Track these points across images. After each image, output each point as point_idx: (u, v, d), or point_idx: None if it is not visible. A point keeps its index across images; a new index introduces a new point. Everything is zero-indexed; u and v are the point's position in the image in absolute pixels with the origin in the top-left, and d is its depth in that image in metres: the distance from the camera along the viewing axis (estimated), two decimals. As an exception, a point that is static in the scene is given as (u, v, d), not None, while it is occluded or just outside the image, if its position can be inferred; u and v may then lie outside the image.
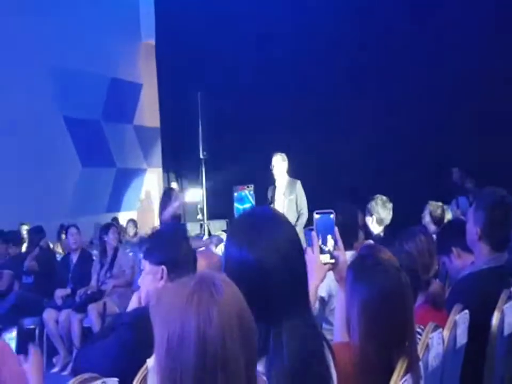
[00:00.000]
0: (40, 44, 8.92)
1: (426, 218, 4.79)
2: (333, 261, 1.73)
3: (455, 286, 2.47)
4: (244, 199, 2.55)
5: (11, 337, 1.93)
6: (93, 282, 5.84)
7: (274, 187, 5.90)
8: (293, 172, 7.98)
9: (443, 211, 4.83)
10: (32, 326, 5.62)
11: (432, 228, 4.73)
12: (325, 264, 1.72)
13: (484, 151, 7.83)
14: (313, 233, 1.74)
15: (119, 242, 8.21)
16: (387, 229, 4.37)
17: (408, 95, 8.68)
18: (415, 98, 8.66)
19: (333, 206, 3.30)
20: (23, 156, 8.54)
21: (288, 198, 5.79)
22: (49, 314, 5.58)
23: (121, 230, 9.24)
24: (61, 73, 9.31)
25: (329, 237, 1.75)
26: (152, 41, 11.23)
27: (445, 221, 4.83)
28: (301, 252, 1.44)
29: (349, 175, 8.63)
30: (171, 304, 1.07)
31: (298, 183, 5.87)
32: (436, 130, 8.40)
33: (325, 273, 1.73)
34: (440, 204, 4.93)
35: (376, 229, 4.12)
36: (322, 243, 1.74)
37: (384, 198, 4.21)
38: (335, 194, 7.33)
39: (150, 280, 2.10)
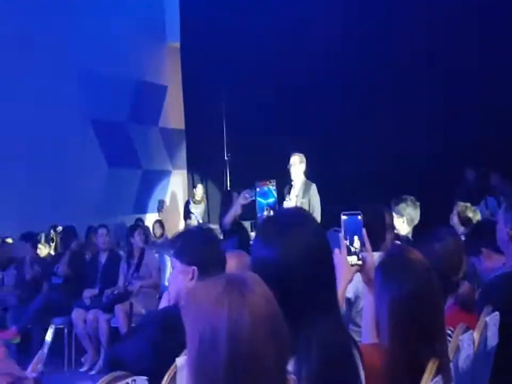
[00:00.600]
0: (68, 48, 9.05)
1: (455, 219, 4.73)
2: (360, 262, 1.72)
3: (485, 287, 2.43)
4: (267, 193, 2.56)
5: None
6: (120, 282, 5.92)
7: (291, 186, 5.75)
8: (314, 172, 7.98)
9: (472, 212, 4.76)
10: (61, 326, 5.71)
11: (460, 229, 4.67)
12: (353, 265, 1.72)
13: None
14: (341, 235, 1.74)
15: (145, 243, 8.34)
16: (414, 229, 4.35)
17: (429, 95, 8.62)
18: (436, 99, 8.60)
19: (359, 207, 3.30)
20: (51, 158, 8.68)
21: (300, 201, 5.61)
22: (77, 314, 5.67)
23: (147, 231, 9.35)
24: (88, 77, 9.44)
25: (356, 238, 1.74)
26: (177, 44, 11.31)
27: (474, 222, 4.77)
28: (329, 252, 1.44)
29: (371, 176, 8.59)
30: (202, 304, 1.07)
31: (313, 187, 5.70)
32: (461, 129, 8.31)
33: (352, 275, 1.72)
34: (468, 204, 4.87)
35: (404, 229, 4.09)
36: (350, 244, 1.74)
37: (413, 198, 4.19)
38: (358, 196, 7.32)
39: (180, 279, 2.10)
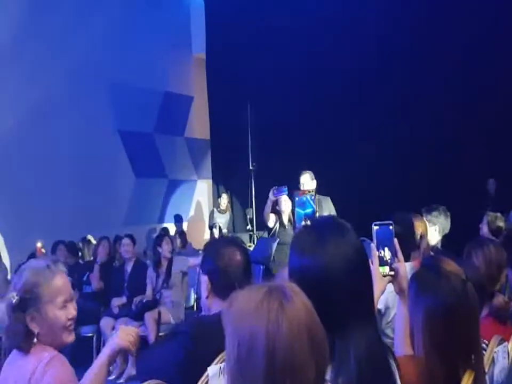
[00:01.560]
0: (96, 60, 9.21)
1: (484, 229, 4.68)
2: (392, 273, 1.72)
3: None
4: (306, 203, 2.56)
5: None
6: (148, 292, 5.94)
7: None
8: (339, 182, 7.96)
9: (502, 221, 4.70)
10: (89, 334, 5.78)
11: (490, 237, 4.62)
12: (385, 276, 1.72)
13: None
14: (373, 245, 1.73)
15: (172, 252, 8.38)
16: (444, 239, 4.33)
17: (444, 106, 8.57)
18: (450, 109, 8.55)
19: (389, 216, 3.29)
20: (80, 168, 8.83)
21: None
22: (106, 323, 5.72)
23: (173, 240, 9.41)
24: (116, 88, 9.59)
25: (388, 248, 1.74)
26: (203, 55, 11.42)
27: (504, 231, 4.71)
28: (366, 261, 1.45)
29: (394, 187, 8.54)
30: (241, 312, 1.09)
31: (329, 200, 5.64)
32: (482, 139, 8.24)
33: (385, 285, 1.72)
34: (498, 214, 4.82)
35: (435, 239, 4.08)
36: (382, 254, 1.73)
37: (445, 208, 4.18)
38: (382, 207, 7.28)
39: (203, 289, 2.12)
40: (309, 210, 2.78)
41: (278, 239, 5.38)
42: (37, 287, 1.87)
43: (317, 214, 5.28)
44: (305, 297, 1.10)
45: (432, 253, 3.98)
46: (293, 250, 1.44)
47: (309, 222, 2.91)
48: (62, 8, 8.72)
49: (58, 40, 8.57)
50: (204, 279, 2.07)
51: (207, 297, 2.06)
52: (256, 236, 9.05)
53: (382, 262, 1.71)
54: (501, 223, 4.67)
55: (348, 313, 1.35)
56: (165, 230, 9.58)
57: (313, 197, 2.82)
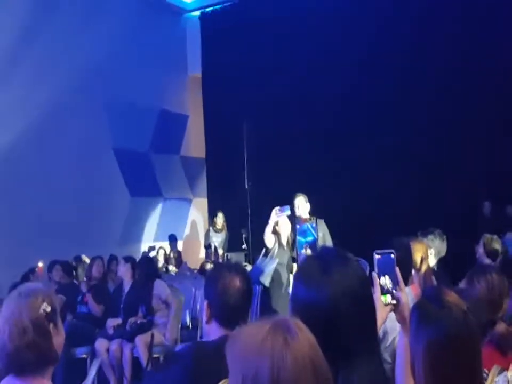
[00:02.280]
0: (92, 79, 9.27)
1: (480, 251, 4.70)
2: (394, 301, 1.72)
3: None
4: (307, 232, 2.56)
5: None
6: (140, 313, 5.84)
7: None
8: (336, 204, 7.97)
9: (498, 244, 4.72)
10: (83, 356, 5.72)
11: (486, 261, 4.64)
12: (386, 305, 1.72)
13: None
14: (374, 274, 1.73)
15: (164, 271, 8.35)
16: (440, 261, 4.34)
17: (439, 129, 8.64)
18: (444, 132, 8.60)
19: (386, 240, 3.30)
20: (74, 186, 8.83)
21: None
22: (100, 344, 5.66)
23: (168, 259, 9.39)
24: (112, 107, 9.64)
25: (389, 276, 1.74)
26: (199, 74, 11.50)
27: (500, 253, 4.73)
28: (370, 291, 1.45)
29: (390, 210, 8.55)
30: (246, 347, 1.09)
31: (323, 222, 5.59)
32: (478, 162, 8.27)
33: (387, 315, 1.72)
34: (495, 236, 4.83)
35: (431, 262, 4.09)
36: (383, 283, 1.73)
37: (440, 231, 4.20)
38: (379, 230, 7.31)
39: (203, 314, 2.11)
40: (310, 239, 2.79)
41: (277, 260, 5.38)
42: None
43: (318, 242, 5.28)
44: (310, 333, 1.11)
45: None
46: (297, 281, 1.44)
47: (309, 250, 2.93)
48: (60, 28, 8.79)
49: (55, 59, 8.62)
50: (205, 304, 2.08)
51: (207, 322, 2.06)
52: (251, 256, 9.03)
53: (384, 291, 1.72)
54: (496, 245, 4.69)
55: (352, 344, 1.35)
56: (160, 249, 9.56)
57: (314, 225, 2.83)
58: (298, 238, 2.79)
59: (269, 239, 5.44)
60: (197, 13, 11.55)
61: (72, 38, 8.92)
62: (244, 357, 1.08)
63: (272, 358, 1.04)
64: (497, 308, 2.26)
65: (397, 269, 1.75)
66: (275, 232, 5.43)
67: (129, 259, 6.16)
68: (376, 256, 1.74)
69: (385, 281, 1.72)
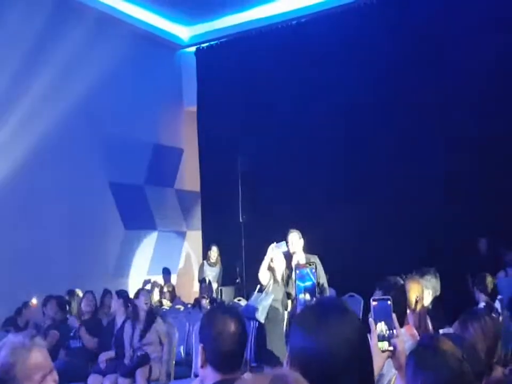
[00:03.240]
0: (88, 113, 9.36)
1: (476, 291, 4.73)
2: (391, 348, 1.75)
3: None
4: (305, 277, 2.58)
5: None
6: (126, 347, 5.76)
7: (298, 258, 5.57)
8: (330, 238, 7.99)
9: (491, 282, 4.76)
10: (77, 392, 5.67)
11: (482, 297, 4.68)
12: (383, 351, 1.75)
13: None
14: (371, 320, 1.77)
15: (157, 306, 8.30)
16: (435, 299, 4.38)
17: (432, 166, 8.72)
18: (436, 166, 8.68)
19: (379, 279, 3.33)
20: (69, 220, 8.84)
21: None
22: (94, 380, 5.61)
23: (162, 293, 9.34)
24: (108, 141, 9.71)
25: (386, 323, 1.77)
26: (194, 108, 11.63)
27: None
28: (367, 340, 1.47)
29: (384, 247, 8.57)
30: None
31: (316, 258, 5.60)
32: (473, 199, 8.34)
33: (384, 362, 1.75)
34: (487, 274, 4.88)
35: (428, 301, 4.12)
36: (380, 329, 1.77)
37: (434, 269, 4.25)
38: (372, 267, 7.34)
39: (198, 358, 2.09)
40: (308, 284, 2.81)
41: (273, 295, 5.40)
42: (14, 367, 1.89)
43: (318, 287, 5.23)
44: None
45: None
46: (294, 330, 1.45)
47: (308, 295, 2.97)
48: (55, 61, 8.89)
49: (50, 93, 8.69)
50: (199, 348, 2.09)
51: (202, 366, 2.07)
52: (245, 290, 9.00)
53: (380, 337, 1.75)
54: (489, 278, 4.73)
55: None
56: (155, 283, 9.53)
57: (314, 270, 2.86)
58: (297, 282, 2.82)
59: (263, 275, 5.48)
60: (193, 49, 11.75)
61: (68, 73, 9.01)
62: None
63: None
64: (493, 352, 2.29)
65: (394, 316, 1.79)
66: (270, 268, 5.47)
67: (121, 294, 6.14)
68: (373, 303, 1.77)
69: (382, 327, 1.75)
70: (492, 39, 8.16)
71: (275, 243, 5.39)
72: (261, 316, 5.33)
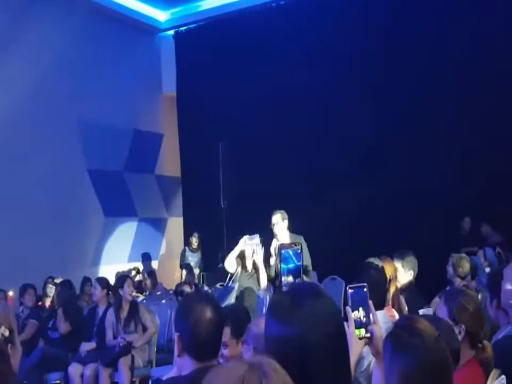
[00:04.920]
0: (65, 99, 9.21)
1: (450, 271, 4.74)
2: (368, 335, 1.74)
3: (493, 349, 2.42)
4: (288, 259, 2.54)
5: None
6: (109, 337, 5.69)
7: (277, 241, 5.51)
8: (311, 221, 7.98)
9: (467, 262, 4.76)
10: (57, 382, 5.61)
11: (457, 281, 4.69)
12: (361, 338, 1.73)
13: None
14: (348, 308, 1.75)
15: (140, 293, 8.24)
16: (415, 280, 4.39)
17: (415, 145, 8.74)
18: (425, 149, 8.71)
19: (358, 264, 3.32)
20: (47, 207, 8.71)
21: None
22: (74, 369, 5.55)
23: (143, 280, 9.28)
24: (86, 127, 9.57)
25: (363, 310, 1.76)
26: (173, 93, 11.50)
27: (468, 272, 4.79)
28: (342, 326, 1.45)
29: (366, 227, 8.61)
30: (221, 389, 1.08)
31: (302, 238, 5.50)
32: (459, 180, 8.39)
33: (361, 348, 1.73)
34: (463, 255, 4.88)
35: (408, 281, 4.14)
36: (357, 316, 1.75)
37: (412, 251, 4.27)
38: (354, 248, 7.35)
39: (175, 347, 2.07)
40: (291, 266, 2.77)
41: (237, 284, 5.30)
42: None
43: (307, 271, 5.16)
44: (285, 374, 1.11)
45: (404, 295, 4.03)
46: (268, 318, 1.43)
47: (291, 277, 2.94)
48: (33, 49, 8.72)
49: (26, 79, 8.53)
50: (176, 337, 2.05)
51: (179, 355, 2.03)
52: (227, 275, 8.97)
53: (358, 325, 1.73)
54: (466, 265, 4.74)
55: (325, 378, 1.35)
56: (135, 270, 9.47)
57: (299, 251, 2.80)
58: (281, 264, 2.78)
59: (230, 264, 5.37)
60: (171, 32, 11.58)
61: (45, 59, 8.85)
62: None
63: None
64: (483, 325, 2.32)
65: (370, 302, 1.77)
66: (239, 255, 5.36)
67: (103, 284, 6.05)
68: (349, 291, 1.76)
69: (359, 314, 1.73)
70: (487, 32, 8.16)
71: (247, 236, 5.28)
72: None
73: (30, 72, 8.62)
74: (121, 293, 5.78)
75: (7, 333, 1.78)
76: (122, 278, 6.20)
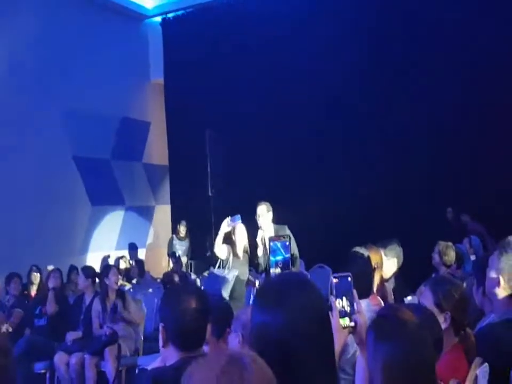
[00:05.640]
0: (51, 85, 9.09)
1: (436, 259, 4.77)
2: (352, 324, 1.74)
3: (476, 337, 2.45)
4: (277, 251, 2.54)
5: None
6: (95, 325, 5.69)
7: (263, 232, 5.51)
8: (296, 211, 7.99)
9: (453, 250, 4.80)
10: (43, 371, 5.59)
11: (442, 269, 4.72)
12: (345, 327, 1.74)
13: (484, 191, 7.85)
14: (332, 297, 1.75)
15: (128, 282, 8.23)
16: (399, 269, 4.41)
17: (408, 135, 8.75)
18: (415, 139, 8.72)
19: (345, 253, 3.32)
20: (33, 196, 8.63)
21: None
22: (60, 358, 5.53)
23: (130, 268, 9.25)
24: (72, 114, 9.46)
25: (348, 299, 1.76)
26: (161, 80, 11.40)
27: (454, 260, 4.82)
28: (327, 315, 1.48)
29: (351, 216, 8.64)
30: (201, 382, 1.08)
31: (286, 228, 5.50)
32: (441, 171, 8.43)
33: (345, 337, 1.74)
34: (449, 243, 4.91)
35: (392, 271, 4.15)
36: (341, 305, 1.76)
37: (396, 239, 4.26)
38: (339, 237, 7.36)
39: (160, 338, 2.07)
40: (279, 258, 2.78)
41: (236, 271, 5.31)
42: None
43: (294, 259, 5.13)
44: (266, 368, 1.10)
45: (390, 284, 4.05)
46: (254, 307, 1.45)
47: (279, 270, 2.95)
48: (19, 33, 8.59)
49: (12, 65, 8.42)
50: (160, 327, 2.04)
51: (163, 346, 2.03)
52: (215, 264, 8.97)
53: (342, 314, 1.74)
54: (451, 253, 4.77)
55: (309, 367, 1.37)
56: (122, 258, 9.43)
57: (287, 243, 2.81)
58: (270, 256, 2.79)
59: (220, 250, 5.37)
60: (159, 19, 11.46)
61: (30, 44, 8.73)
62: None
63: None
64: (467, 312, 2.35)
65: (354, 292, 1.78)
66: (229, 242, 5.37)
67: (88, 273, 6.02)
68: (334, 280, 1.76)
69: (343, 304, 1.74)
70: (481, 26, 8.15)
71: (229, 217, 5.28)
72: (224, 293, 5.26)
73: (15, 60, 8.50)
74: (107, 282, 5.76)
75: (10, 329, 1.78)
76: (106, 267, 6.18)
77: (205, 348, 2.67)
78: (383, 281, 3.79)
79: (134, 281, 8.49)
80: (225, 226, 5.27)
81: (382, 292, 3.54)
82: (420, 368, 1.63)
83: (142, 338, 6.03)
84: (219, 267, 5.43)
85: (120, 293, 5.85)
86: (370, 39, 9.12)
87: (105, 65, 10.11)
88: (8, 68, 8.34)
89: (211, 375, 1.06)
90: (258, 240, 5.47)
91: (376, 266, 3.61)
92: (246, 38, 10.07)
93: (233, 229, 5.35)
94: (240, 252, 5.44)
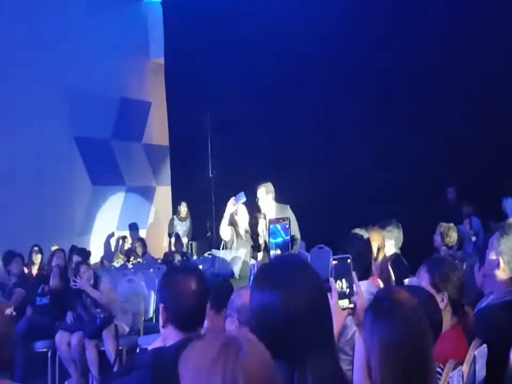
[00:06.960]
0: (51, 65, 9.03)
1: (438, 240, 4.78)
2: (351, 305, 1.75)
3: (475, 318, 2.46)
4: (276, 233, 2.55)
5: None
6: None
7: (264, 215, 5.47)
8: (296, 191, 7.99)
9: (454, 232, 4.81)
10: (44, 350, 5.63)
11: (443, 250, 4.73)
12: (344, 309, 1.74)
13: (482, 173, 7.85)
14: (331, 279, 1.75)
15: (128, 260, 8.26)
16: (399, 250, 4.41)
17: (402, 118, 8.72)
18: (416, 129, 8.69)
19: (344, 235, 3.32)
20: (34, 175, 8.62)
21: None
22: (61, 338, 5.55)
23: (133, 247, 9.30)
24: (72, 94, 9.41)
25: (346, 281, 1.76)
26: (161, 60, 11.31)
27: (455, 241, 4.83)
28: (325, 296, 1.50)
29: (353, 197, 8.65)
30: (198, 364, 1.08)
31: (289, 208, 5.50)
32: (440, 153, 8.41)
33: (344, 319, 1.75)
34: (451, 225, 4.92)
35: (391, 251, 4.15)
36: (340, 287, 1.76)
37: (396, 220, 4.26)
38: (340, 218, 7.36)
39: (160, 318, 2.06)
40: (279, 240, 2.78)
41: (244, 249, 5.28)
42: None
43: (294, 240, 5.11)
44: (263, 350, 1.10)
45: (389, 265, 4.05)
46: (253, 288, 1.46)
47: (279, 251, 2.95)
48: (18, 14, 8.51)
49: (12, 47, 8.36)
50: (160, 308, 2.05)
51: (163, 326, 2.04)
52: (216, 244, 9.00)
53: (341, 295, 1.74)
54: (453, 234, 4.78)
55: (307, 347, 1.38)
56: (123, 238, 9.44)
57: (287, 226, 2.80)
58: (270, 239, 2.79)
59: (225, 232, 5.34)
60: (159, -2, 11.35)
61: (29, 24, 8.65)
62: (195, 375, 1.07)
63: (224, 376, 1.04)
64: (463, 293, 2.37)
65: (354, 273, 1.78)
66: (232, 223, 5.35)
67: (80, 253, 6.03)
68: (333, 262, 1.77)
69: (342, 286, 1.74)
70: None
71: (233, 197, 5.23)
72: (236, 272, 5.25)
73: (14, 40, 8.42)
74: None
75: (14, 313, 1.83)
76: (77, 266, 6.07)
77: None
78: (386, 261, 3.79)
79: (135, 260, 8.53)
80: (230, 207, 5.23)
81: (387, 273, 3.54)
82: (416, 348, 1.63)
83: (143, 318, 6.07)
84: (223, 248, 5.43)
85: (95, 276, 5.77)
86: (372, 35, 9.07)
87: (105, 45, 10.03)
88: (5, 47, 8.27)
89: (208, 356, 1.06)
90: (259, 230, 5.41)
91: (379, 247, 3.62)
92: (248, 17, 9.96)
93: (236, 209, 5.33)
94: (242, 231, 5.44)
